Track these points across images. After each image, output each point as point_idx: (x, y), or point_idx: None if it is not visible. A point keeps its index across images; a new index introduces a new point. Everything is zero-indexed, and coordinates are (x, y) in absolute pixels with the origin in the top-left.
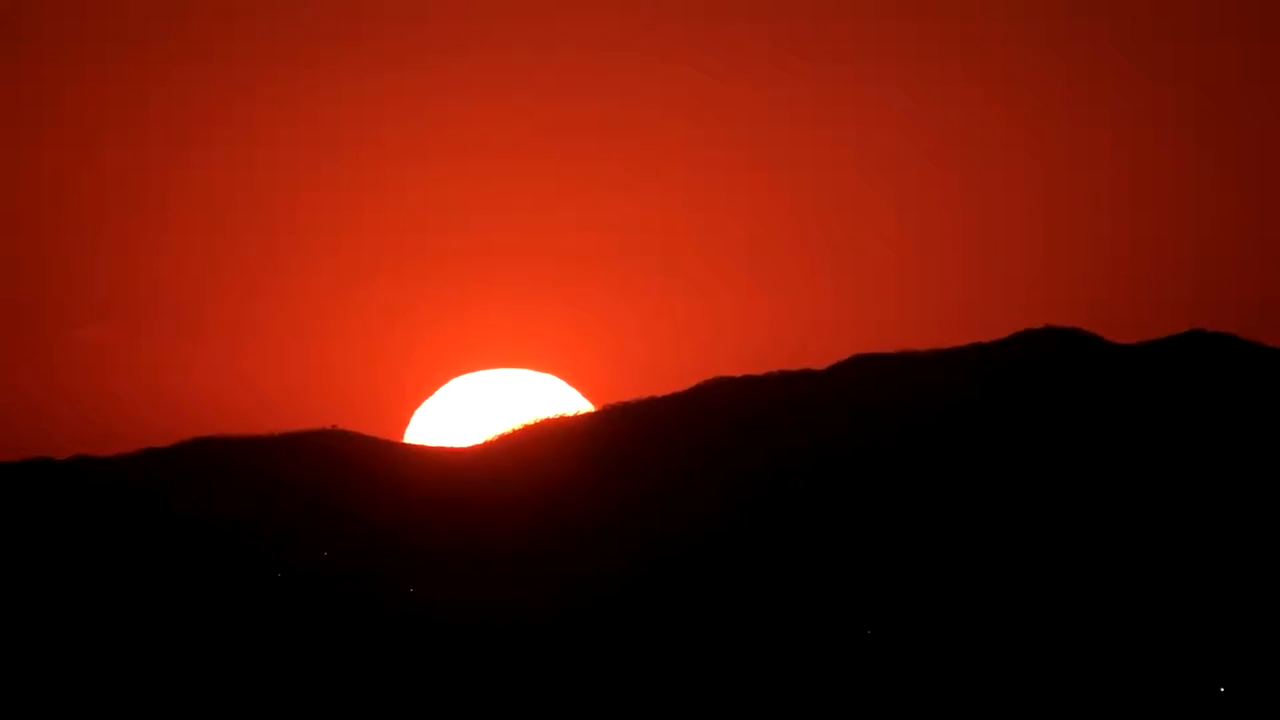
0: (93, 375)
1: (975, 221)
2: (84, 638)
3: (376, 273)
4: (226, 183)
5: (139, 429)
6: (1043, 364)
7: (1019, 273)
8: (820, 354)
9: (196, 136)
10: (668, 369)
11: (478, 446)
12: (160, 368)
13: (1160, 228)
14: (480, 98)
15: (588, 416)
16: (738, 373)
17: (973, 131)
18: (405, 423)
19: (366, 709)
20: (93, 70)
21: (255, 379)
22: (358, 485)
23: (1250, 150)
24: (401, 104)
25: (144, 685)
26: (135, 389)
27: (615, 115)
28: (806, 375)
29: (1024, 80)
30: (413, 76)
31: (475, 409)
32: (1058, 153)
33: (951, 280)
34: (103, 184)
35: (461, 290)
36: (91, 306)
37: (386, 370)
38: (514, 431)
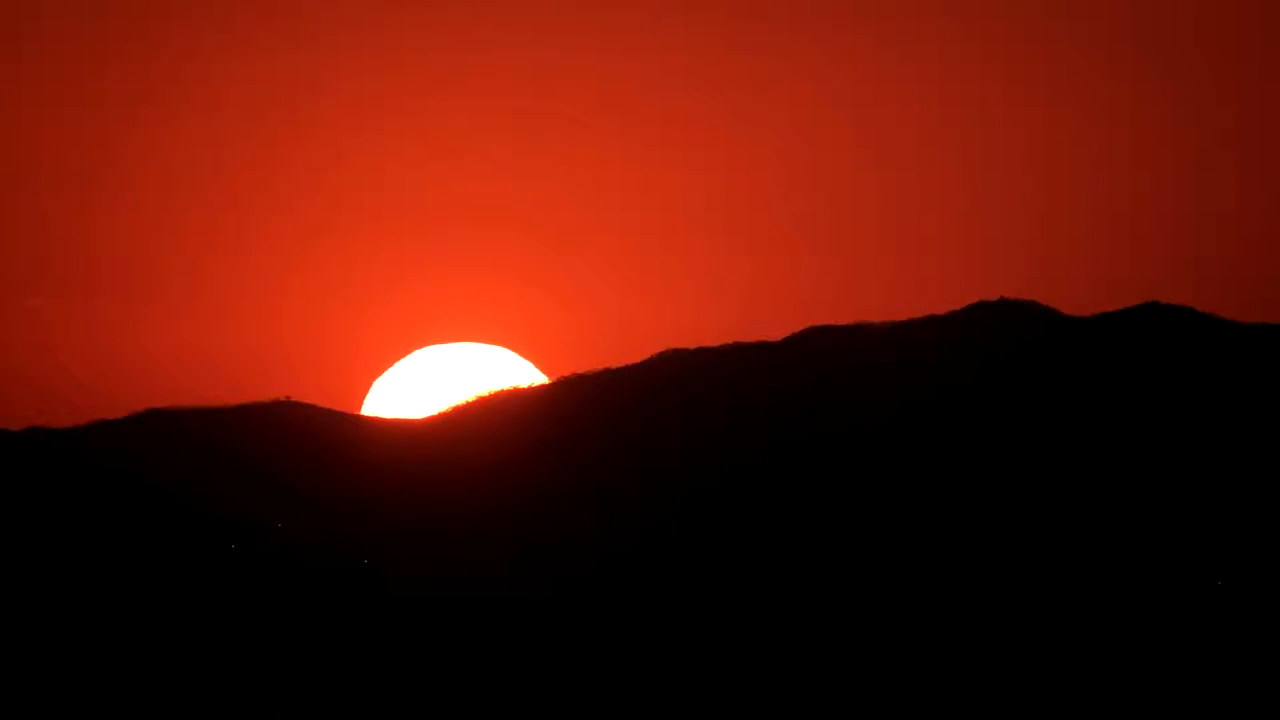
0: (40, 346)
1: (930, 195)
2: (42, 610)
3: (332, 244)
4: (176, 150)
5: (89, 400)
6: (998, 336)
7: (974, 245)
8: (775, 326)
9: (143, 104)
10: (621, 342)
11: (436, 417)
12: (110, 338)
13: (1116, 200)
14: (435, 68)
15: (544, 388)
16: (691, 344)
17: (928, 106)
18: (362, 395)
19: (321, 680)
20: (34, 39)
21: (208, 350)
22: (312, 457)
23: (1206, 121)
24: (353, 72)
25: (101, 655)
26: (84, 360)
27: (570, 87)
28: (761, 347)
29: (981, 57)
30: (366, 41)
31: (434, 381)
32: (1012, 125)
33: (906, 253)
34: (48, 153)
35: (421, 264)
36: (38, 277)
37: (343, 343)
38: (471, 403)
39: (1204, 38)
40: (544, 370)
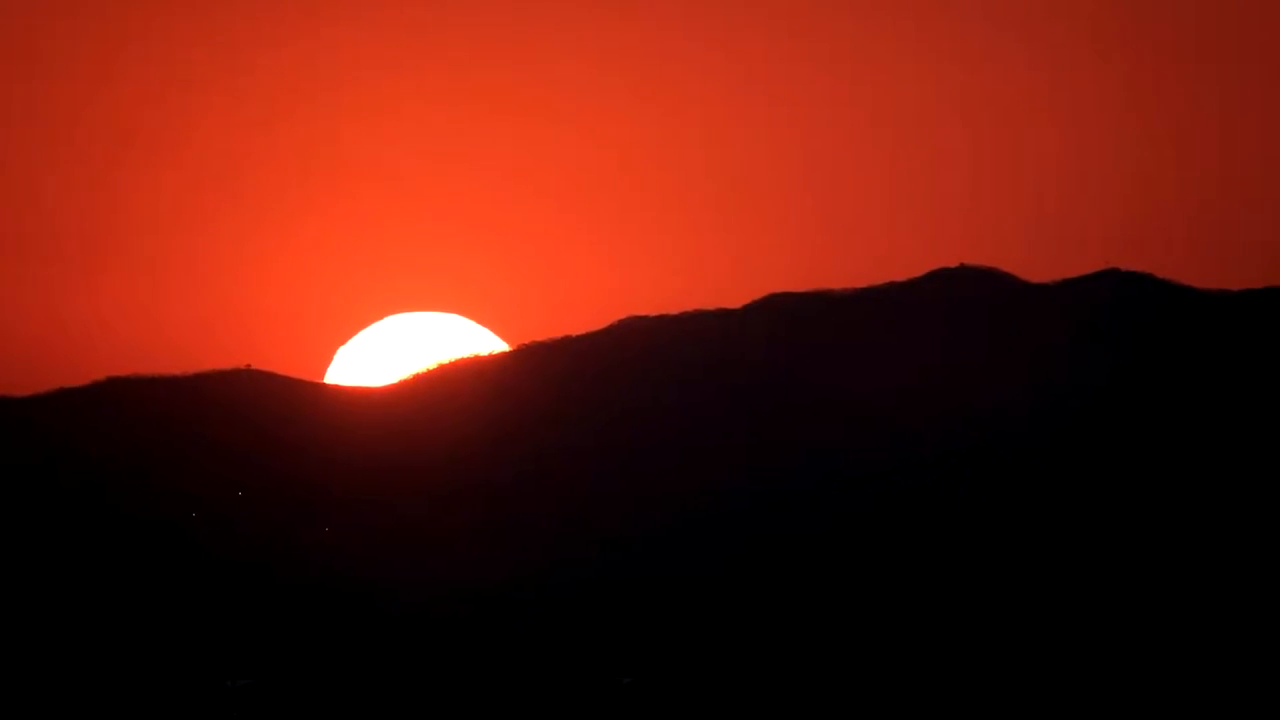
0: None
1: (889, 158)
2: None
3: (294, 211)
4: (133, 113)
5: (45, 369)
6: (958, 302)
7: (934, 211)
8: (736, 293)
9: (94, 59)
10: (582, 310)
11: (397, 385)
12: (65, 305)
13: (1075, 165)
14: (398, 37)
15: (504, 356)
16: (653, 312)
17: (887, 68)
18: (325, 364)
19: (279, 656)
20: None
21: (167, 318)
22: (274, 425)
23: (1166, 87)
24: (315, 38)
25: (50, 631)
26: (39, 328)
27: (531, 59)
28: (722, 314)
29: (940, 22)
30: (327, 8)
31: (397, 350)
32: (972, 89)
33: (866, 218)
34: None
35: (384, 232)
36: None
37: (306, 311)
38: (432, 371)
39: (1163, 5)
40: (505, 338)
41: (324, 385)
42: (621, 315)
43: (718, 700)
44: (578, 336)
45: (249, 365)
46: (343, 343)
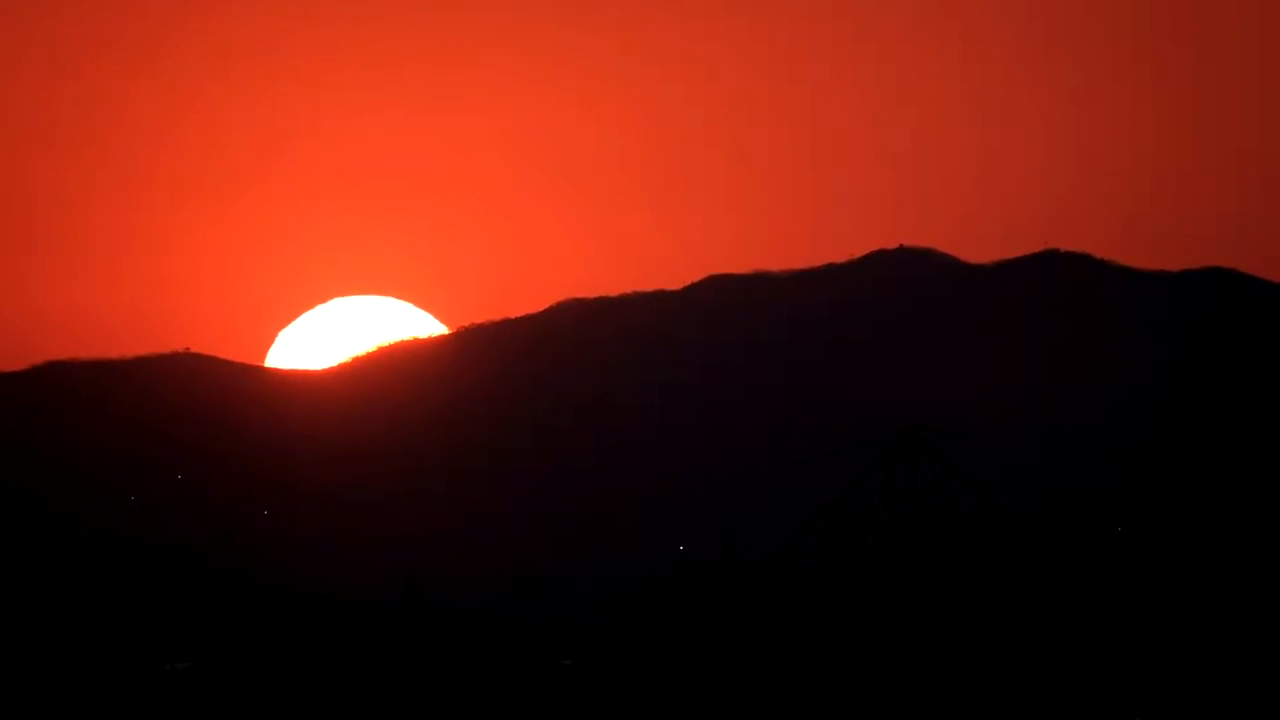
0: None
1: (827, 141)
2: None
3: (235, 196)
4: (66, 94)
5: None
6: (898, 284)
7: (873, 193)
8: (674, 274)
9: (9, 46)
10: (521, 292)
11: (338, 368)
12: (1, 291)
13: (1015, 148)
14: (338, 21)
15: (444, 339)
16: (591, 294)
17: (821, 50)
18: (266, 347)
19: (217, 640)
20: None
21: (105, 301)
22: (213, 409)
23: (1103, 70)
24: (255, 23)
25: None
26: None
27: (460, 33)
28: (661, 295)
29: (874, 6)
30: None
31: (337, 333)
32: (908, 71)
33: (805, 200)
34: None
35: (325, 218)
36: None
37: (247, 296)
38: (372, 354)
39: None
40: (445, 321)
41: (264, 368)
42: (560, 298)
43: (656, 683)
44: (517, 319)
45: (187, 348)
46: (284, 325)
